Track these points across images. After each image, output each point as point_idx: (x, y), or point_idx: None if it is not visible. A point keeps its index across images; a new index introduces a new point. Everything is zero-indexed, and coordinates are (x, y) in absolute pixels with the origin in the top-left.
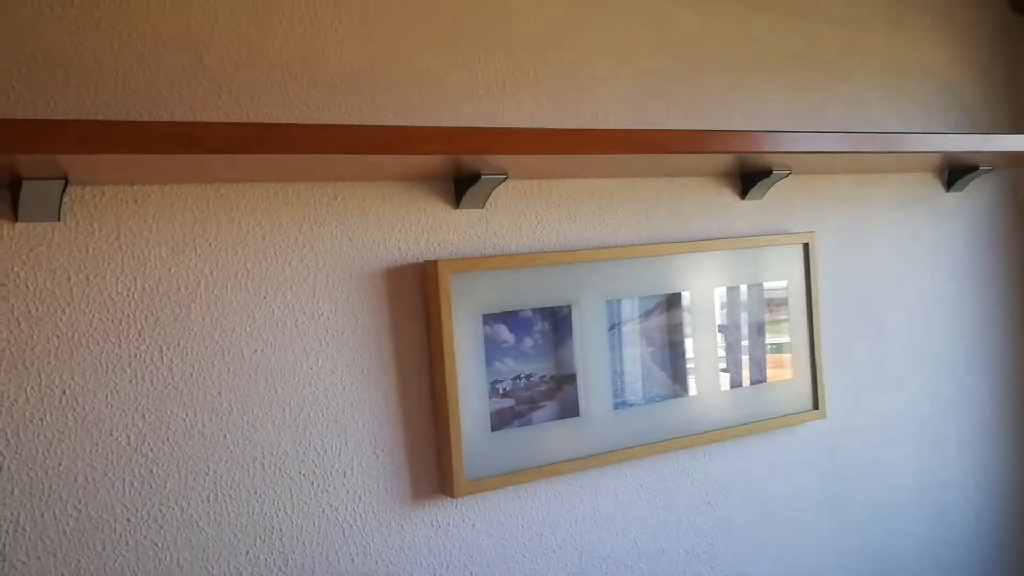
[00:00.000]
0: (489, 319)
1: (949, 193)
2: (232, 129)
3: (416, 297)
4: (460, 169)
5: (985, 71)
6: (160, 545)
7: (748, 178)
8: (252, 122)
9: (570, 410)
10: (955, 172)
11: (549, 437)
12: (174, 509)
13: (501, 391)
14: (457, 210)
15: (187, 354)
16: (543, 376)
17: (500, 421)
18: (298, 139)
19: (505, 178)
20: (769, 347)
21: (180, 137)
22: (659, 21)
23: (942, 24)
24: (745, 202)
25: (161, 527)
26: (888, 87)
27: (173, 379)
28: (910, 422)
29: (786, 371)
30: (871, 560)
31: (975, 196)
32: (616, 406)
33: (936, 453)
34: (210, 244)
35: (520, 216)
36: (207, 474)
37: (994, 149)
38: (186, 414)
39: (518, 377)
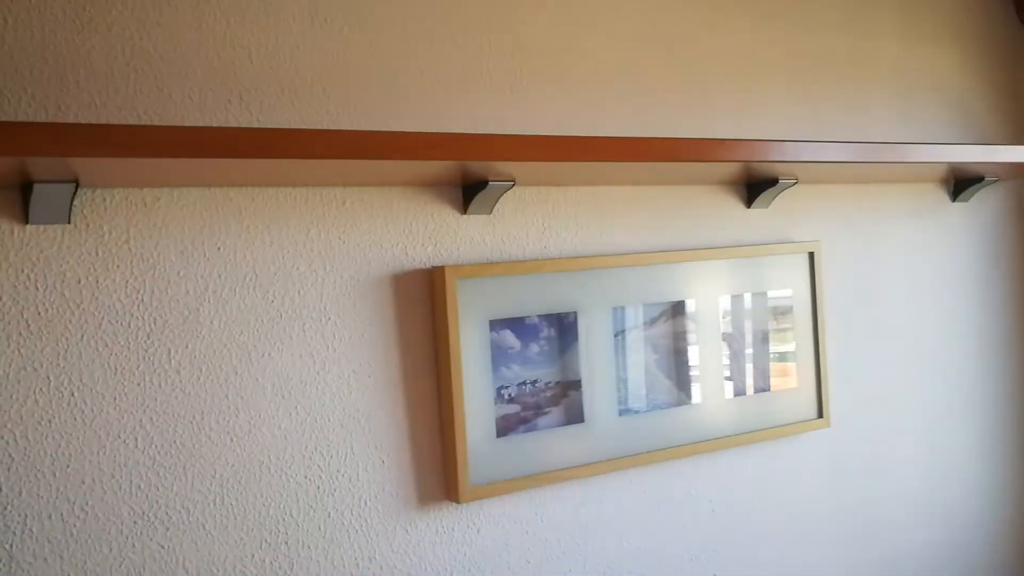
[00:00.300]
0: (495, 325)
1: (955, 204)
2: (240, 134)
3: (423, 302)
4: (468, 175)
5: (992, 82)
6: (166, 547)
7: (754, 187)
8: (260, 127)
9: (575, 416)
10: (961, 183)
11: (554, 443)
12: (180, 512)
13: (507, 397)
14: (464, 216)
15: (195, 357)
16: (549, 382)
17: (505, 427)
18: (306, 144)
19: (513, 185)
20: (774, 355)
21: (189, 142)
22: (667, 30)
23: (949, 35)
24: (751, 211)
25: (168, 529)
26: (895, 97)
27: (181, 382)
28: (915, 431)
29: (791, 380)
30: (876, 568)
31: (980, 206)
32: (620, 413)
33: (942, 463)
34: (218, 248)
35: (527, 223)
36: (214, 477)
37: (1000, 160)
38: (193, 417)
39: (524, 383)
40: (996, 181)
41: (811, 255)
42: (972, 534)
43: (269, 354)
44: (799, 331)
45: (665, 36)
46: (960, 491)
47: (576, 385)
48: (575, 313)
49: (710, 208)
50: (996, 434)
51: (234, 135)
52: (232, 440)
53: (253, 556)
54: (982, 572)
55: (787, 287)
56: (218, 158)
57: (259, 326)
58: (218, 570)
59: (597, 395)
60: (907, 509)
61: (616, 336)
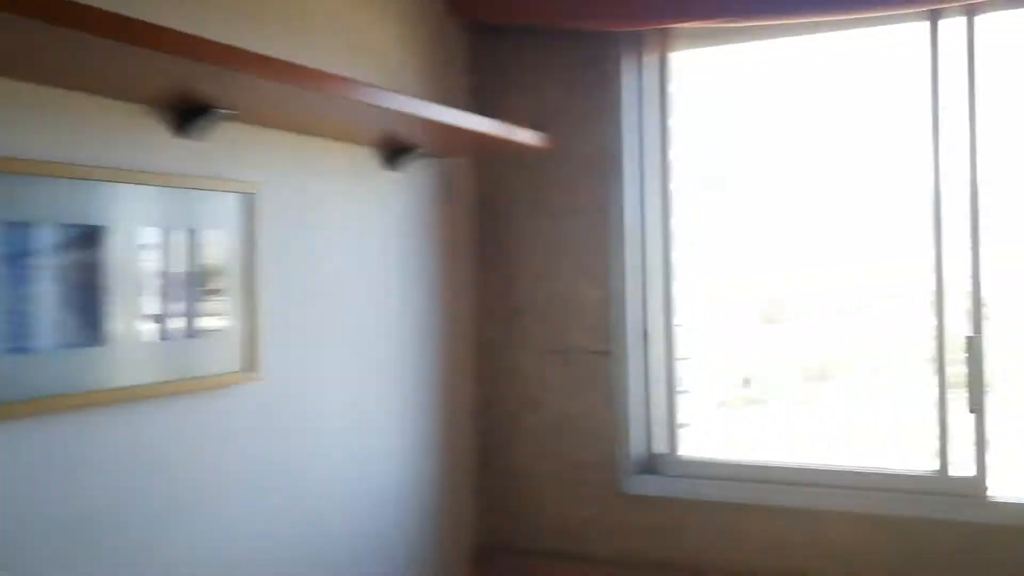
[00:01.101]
0: None
1: (389, 172)
2: None
3: None
4: None
5: (425, 65)
6: None
7: (191, 113)
8: None
9: None
10: (394, 152)
11: None
12: None
13: None
14: None
15: None
16: None
17: None
18: None
19: None
20: (204, 300)
21: None
22: None
23: (390, 16)
24: (189, 141)
25: None
26: (340, 61)
27: None
28: (344, 392)
29: (223, 325)
30: (301, 526)
31: (415, 180)
32: (13, 351)
33: (366, 422)
34: None
35: None
36: None
37: (422, 115)
38: None
39: None
40: (427, 156)
41: (250, 196)
42: (392, 491)
43: None
44: (233, 277)
45: None
46: (381, 450)
47: None
48: None
49: (143, 130)
50: (415, 397)
51: None
52: None
53: None
54: (400, 527)
55: (224, 227)
56: None
57: None
58: None
59: None
60: (335, 466)
61: (12, 259)
